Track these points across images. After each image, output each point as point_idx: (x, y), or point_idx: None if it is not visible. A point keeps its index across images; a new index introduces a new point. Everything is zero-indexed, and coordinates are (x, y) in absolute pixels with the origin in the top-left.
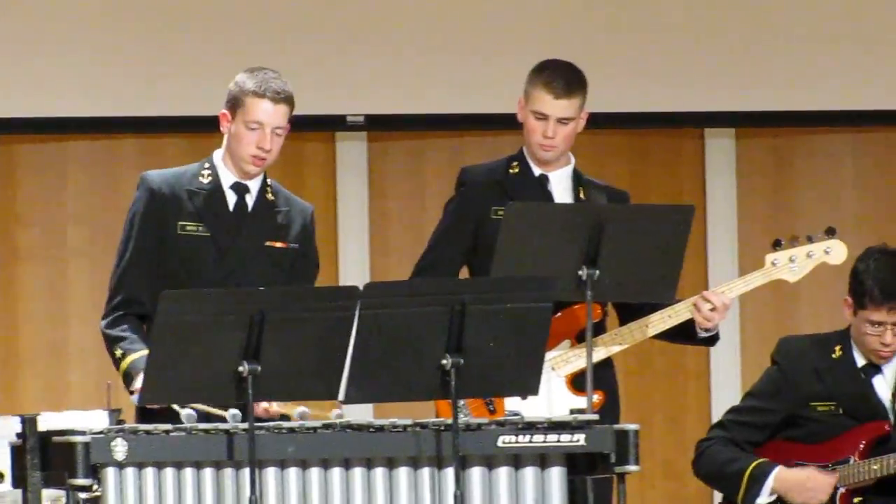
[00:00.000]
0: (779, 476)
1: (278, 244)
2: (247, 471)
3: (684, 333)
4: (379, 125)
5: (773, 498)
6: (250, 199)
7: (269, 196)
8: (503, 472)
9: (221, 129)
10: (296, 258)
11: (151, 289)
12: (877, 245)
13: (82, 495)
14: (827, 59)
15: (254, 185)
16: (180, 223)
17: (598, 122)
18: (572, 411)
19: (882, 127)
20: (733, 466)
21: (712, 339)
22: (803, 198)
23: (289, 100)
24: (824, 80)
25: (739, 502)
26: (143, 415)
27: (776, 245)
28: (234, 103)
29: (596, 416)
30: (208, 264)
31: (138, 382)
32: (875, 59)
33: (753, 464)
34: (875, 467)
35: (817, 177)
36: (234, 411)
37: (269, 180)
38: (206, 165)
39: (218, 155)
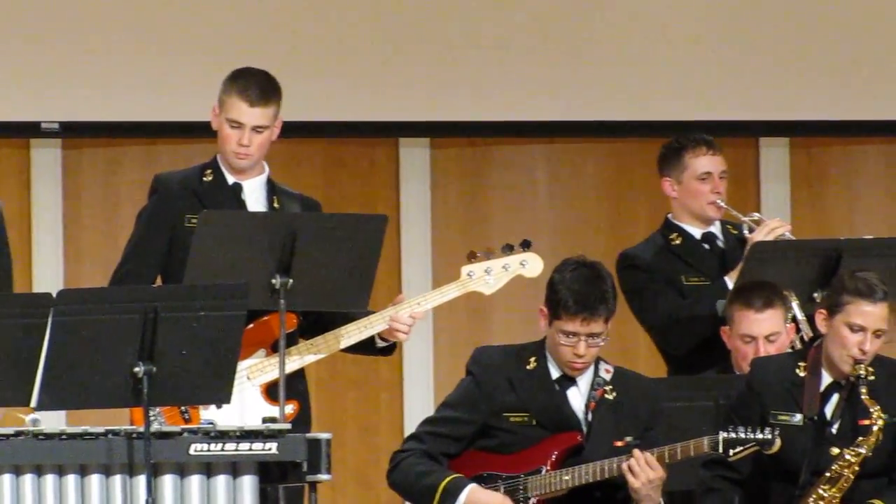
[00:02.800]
0: (471, 495)
1: None
2: None
3: (363, 344)
4: (74, 132)
5: None
6: None
7: None
8: (195, 480)
9: None
10: None
11: None
12: (574, 256)
13: None
14: (521, 70)
15: None
16: None
17: (292, 130)
18: (264, 420)
19: (576, 138)
20: (427, 480)
21: (390, 349)
22: (498, 208)
23: None
24: (518, 91)
25: None
26: None
27: (472, 257)
28: None
29: (288, 426)
30: None
31: None
32: (568, 71)
33: (447, 479)
34: (567, 478)
35: (512, 187)
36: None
37: None
38: None
39: None
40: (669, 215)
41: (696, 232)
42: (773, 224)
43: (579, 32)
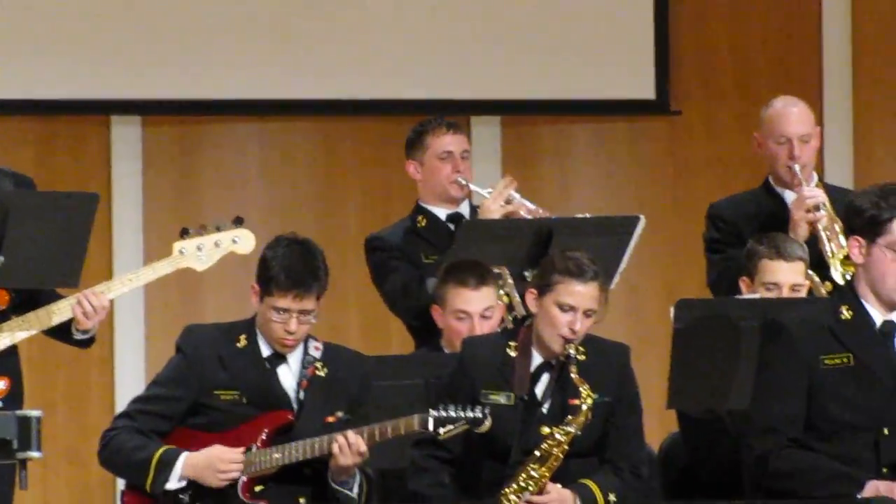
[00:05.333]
0: (187, 461)
1: None
2: None
3: (62, 332)
4: None
5: (184, 483)
6: None
7: None
8: None
9: None
10: None
11: None
12: (285, 234)
13: None
14: (231, 49)
15: None
16: None
17: (3, 108)
18: None
19: (287, 117)
20: (140, 454)
21: (90, 342)
22: (210, 186)
23: None
24: (228, 70)
25: (148, 489)
26: None
27: (184, 233)
28: None
29: None
30: None
31: None
32: (277, 50)
33: (160, 450)
34: (277, 456)
35: (224, 166)
36: None
37: None
38: None
39: None
40: (419, 199)
41: (442, 213)
42: (500, 186)
43: (291, 11)
